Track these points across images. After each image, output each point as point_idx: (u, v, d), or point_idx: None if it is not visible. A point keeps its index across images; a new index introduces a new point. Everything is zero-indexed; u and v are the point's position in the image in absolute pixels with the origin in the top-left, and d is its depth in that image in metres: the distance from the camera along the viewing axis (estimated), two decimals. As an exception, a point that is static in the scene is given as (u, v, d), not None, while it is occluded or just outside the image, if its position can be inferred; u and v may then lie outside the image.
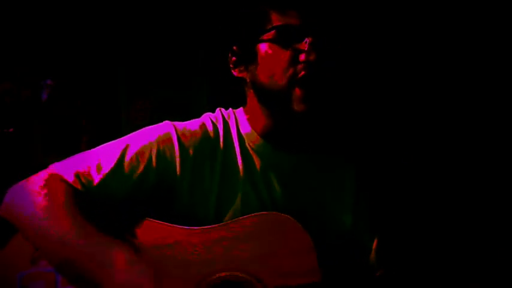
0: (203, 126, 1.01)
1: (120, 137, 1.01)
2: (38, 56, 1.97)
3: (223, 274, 0.90)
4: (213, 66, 1.93)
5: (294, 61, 0.93)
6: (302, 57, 0.92)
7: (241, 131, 1.03)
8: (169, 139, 0.97)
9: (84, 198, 0.93)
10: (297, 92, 0.93)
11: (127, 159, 0.95)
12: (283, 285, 0.88)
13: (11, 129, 1.91)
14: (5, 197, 0.95)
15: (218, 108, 1.08)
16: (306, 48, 0.91)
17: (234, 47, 1.02)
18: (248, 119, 1.04)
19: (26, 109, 1.95)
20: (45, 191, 0.91)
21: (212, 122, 1.03)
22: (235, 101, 1.08)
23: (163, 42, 2.00)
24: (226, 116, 1.06)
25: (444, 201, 1.44)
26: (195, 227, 0.94)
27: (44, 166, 0.98)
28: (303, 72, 0.92)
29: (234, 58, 1.03)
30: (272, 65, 0.95)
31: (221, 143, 1.00)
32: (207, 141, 0.99)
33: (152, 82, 2.04)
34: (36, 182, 0.93)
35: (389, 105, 1.51)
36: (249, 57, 0.99)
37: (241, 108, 1.07)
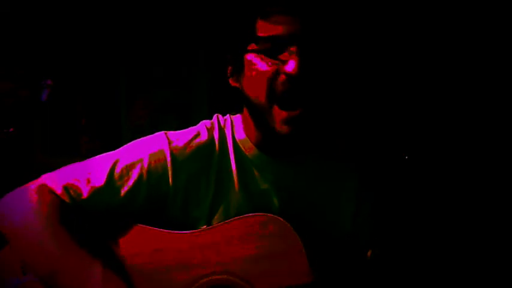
0: (198, 135, 0.99)
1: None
2: (38, 56, 1.97)
3: (211, 278, 0.90)
4: (213, 66, 1.93)
5: (275, 75, 0.86)
6: (283, 69, 0.85)
7: (237, 138, 1.01)
8: (162, 153, 0.96)
9: (72, 210, 0.93)
10: (278, 111, 0.87)
11: (117, 172, 0.94)
12: (273, 286, 0.87)
13: (11, 129, 1.91)
14: None
15: (215, 115, 1.06)
16: (287, 59, 0.85)
17: (228, 56, 0.97)
18: (244, 127, 1.01)
19: (26, 109, 1.95)
20: (32, 202, 0.92)
21: (207, 129, 1.00)
22: (235, 101, 1.07)
23: (163, 43, 2.00)
24: (222, 123, 1.03)
25: (446, 200, 1.43)
26: (183, 231, 0.93)
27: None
28: (281, 88, 0.86)
29: (229, 67, 0.98)
30: (255, 79, 0.89)
31: (216, 152, 0.98)
32: (201, 151, 0.98)
33: (152, 82, 2.04)
34: (25, 192, 0.94)
35: (388, 103, 1.51)
36: (239, 67, 0.93)
37: (239, 114, 1.04)
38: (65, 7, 1.95)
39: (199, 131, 1.00)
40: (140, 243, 0.94)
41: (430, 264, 1.26)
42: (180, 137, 0.99)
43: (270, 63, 0.87)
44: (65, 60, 2.00)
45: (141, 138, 1.00)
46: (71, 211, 0.93)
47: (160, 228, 0.94)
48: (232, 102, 1.07)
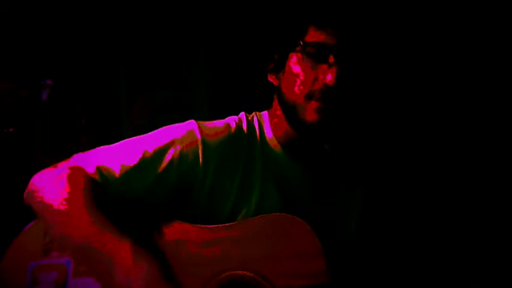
0: (228, 127, 1.01)
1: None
2: (38, 56, 1.97)
3: (231, 273, 0.90)
4: (214, 66, 1.93)
5: (314, 80, 0.94)
6: (322, 77, 0.93)
7: (266, 136, 1.04)
8: (194, 139, 0.97)
9: (104, 192, 0.94)
10: (311, 104, 0.94)
11: (149, 156, 0.95)
12: (291, 285, 0.88)
13: (11, 129, 1.91)
14: (28, 184, 0.97)
15: (242, 112, 1.08)
16: (328, 69, 0.92)
17: (275, 55, 1.03)
18: (271, 125, 1.05)
19: (26, 109, 1.95)
20: (66, 180, 0.92)
21: (236, 124, 1.03)
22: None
23: (163, 42, 2.00)
24: (250, 119, 1.06)
25: (446, 204, 1.44)
26: (205, 225, 0.94)
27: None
28: (318, 94, 0.94)
29: (272, 64, 1.03)
30: (294, 79, 0.96)
31: (245, 146, 1.01)
32: (230, 142, 0.99)
33: (152, 82, 2.04)
34: (58, 172, 0.95)
35: (392, 108, 1.51)
36: (281, 65, 1.00)
37: (266, 111, 1.08)
38: (65, 7, 1.95)
39: (229, 123, 1.02)
40: (162, 234, 0.94)
41: (427, 264, 1.26)
42: (211, 126, 1.01)
43: (310, 68, 0.95)
44: (65, 60, 2.00)
45: (173, 125, 1.02)
46: (103, 193, 0.94)
47: (181, 220, 0.95)
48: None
